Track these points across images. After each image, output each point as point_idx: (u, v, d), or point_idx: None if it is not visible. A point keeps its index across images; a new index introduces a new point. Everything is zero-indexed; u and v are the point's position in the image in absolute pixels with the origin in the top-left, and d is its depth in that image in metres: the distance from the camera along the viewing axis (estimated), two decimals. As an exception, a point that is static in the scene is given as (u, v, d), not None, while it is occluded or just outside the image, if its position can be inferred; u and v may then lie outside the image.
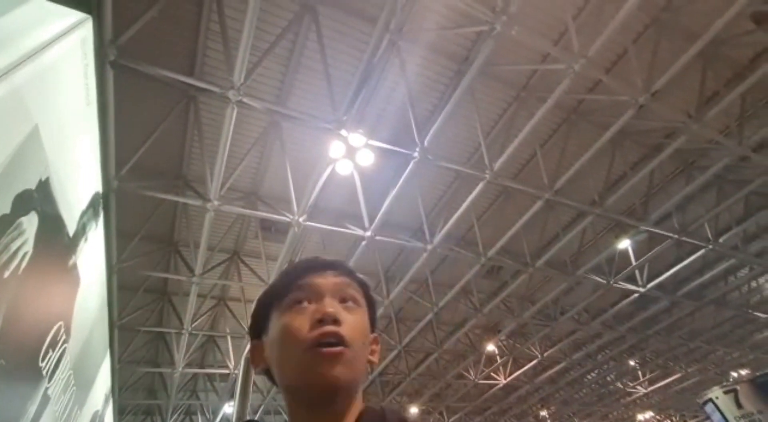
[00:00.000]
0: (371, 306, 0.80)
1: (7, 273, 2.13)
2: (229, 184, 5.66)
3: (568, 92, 5.14)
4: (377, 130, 5.52)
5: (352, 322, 0.69)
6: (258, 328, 0.78)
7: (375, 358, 0.77)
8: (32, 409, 2.86)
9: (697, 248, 8.06)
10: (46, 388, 3.06)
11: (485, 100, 6.00)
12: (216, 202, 5.45)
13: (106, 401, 6.13)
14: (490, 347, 11.25)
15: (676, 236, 7.63)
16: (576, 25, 4.75)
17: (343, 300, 0.72)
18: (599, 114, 6.12)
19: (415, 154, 5.43)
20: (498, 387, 12.79)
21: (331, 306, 0.69)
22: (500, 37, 4.42)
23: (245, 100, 4.52)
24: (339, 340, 0.65)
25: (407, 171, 5.67)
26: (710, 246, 7.93)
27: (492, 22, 4.30)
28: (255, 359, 0.77)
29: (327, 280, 0.73)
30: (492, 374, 12.44)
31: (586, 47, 4.64)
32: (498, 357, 12.00)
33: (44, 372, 2.95)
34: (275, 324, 0.71)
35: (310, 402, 0.66)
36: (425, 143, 5.41)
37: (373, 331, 0.78)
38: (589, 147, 6.00)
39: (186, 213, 6.63)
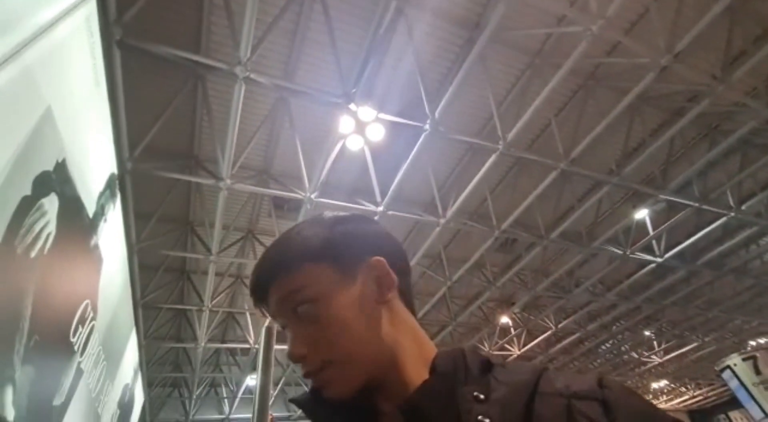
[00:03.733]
0: (331, 257, 0.64)
1: (33, 253, 2.20)
2: (240, 162, 5.68)
3: (585, 56, 4.92)
4: (387, 103, 5.42)
5: (316, 338, 0.61)
6: None
7: (385, 292, 0.64)
8: (67, 382, 3.01)
9: (718, 216, 7.85)
10: (79, 362, 3.21)
11: (497, 68, 5.80)
12: (228, 181, 5.49)
13: (135, 374, 6.42)
14: (504, 319, 11.35)
15: (696, 204, 7.43)
16: (594, -17, 4.50)
17: (294, 310, 0.63)
18: (618, 78, 5.88)
19: (426, 127, 5.32)
20: (512, 358, 12.99)
21: (290, 342, 0.63)
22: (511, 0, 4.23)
23: (252, 75, 4.46)
24: (313, 372, 0.61)
25: (418, 144, 5.58)
26: (732, 214, 7.72)
27: (504, -16, 4.10)
28: None
29: (270, 304, 0.66)
30: (506, 345, 12.61)
31: (604, 7, 4.40)
32: (512, 329, 12.12)
33: (76, 348, 3.08)
34: None
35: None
36: (436, 115, 5.29)
37: (357, 265, 0.64)
38: (606, 114, 5.80)
39: (200, 192, 6.71)
